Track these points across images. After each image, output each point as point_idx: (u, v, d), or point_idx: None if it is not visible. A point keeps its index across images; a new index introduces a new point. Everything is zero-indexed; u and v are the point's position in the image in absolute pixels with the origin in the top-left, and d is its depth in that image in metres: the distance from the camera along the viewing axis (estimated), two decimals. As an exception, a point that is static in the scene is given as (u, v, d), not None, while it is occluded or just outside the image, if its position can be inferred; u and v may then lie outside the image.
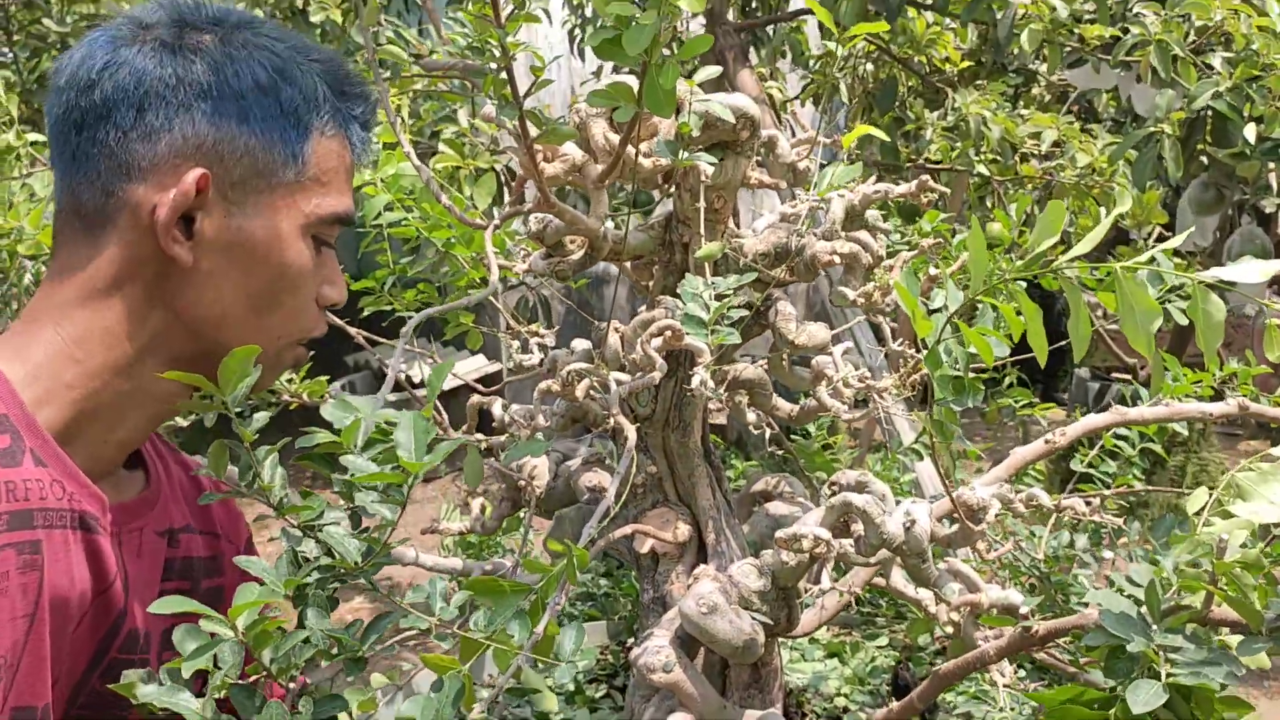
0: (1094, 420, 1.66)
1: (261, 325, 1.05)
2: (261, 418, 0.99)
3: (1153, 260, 0.97)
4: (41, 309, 1.00)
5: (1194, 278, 0.96)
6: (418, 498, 5.48)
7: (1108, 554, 1.97)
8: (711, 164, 1.47)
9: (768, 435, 2.11)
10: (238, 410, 0.97)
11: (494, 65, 1.30)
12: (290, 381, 1.89)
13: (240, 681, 0.89)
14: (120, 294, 0.98)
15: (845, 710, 1.84)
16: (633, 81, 1.40)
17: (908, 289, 1.09)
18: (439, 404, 1.56)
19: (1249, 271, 0.94)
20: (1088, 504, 1.38)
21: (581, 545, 1.17)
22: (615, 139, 1.49)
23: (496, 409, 1.81)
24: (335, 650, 0.95)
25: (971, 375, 1.63)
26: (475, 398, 1.82)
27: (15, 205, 1.63)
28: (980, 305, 1.19)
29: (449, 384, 2.39)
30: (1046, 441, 1.65)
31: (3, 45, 4.35)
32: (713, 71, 1.36)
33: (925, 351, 1.10)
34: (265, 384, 1.09)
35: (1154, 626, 0.95)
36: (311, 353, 1.20)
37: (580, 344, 1.79)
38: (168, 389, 1.01)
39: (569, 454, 1.84)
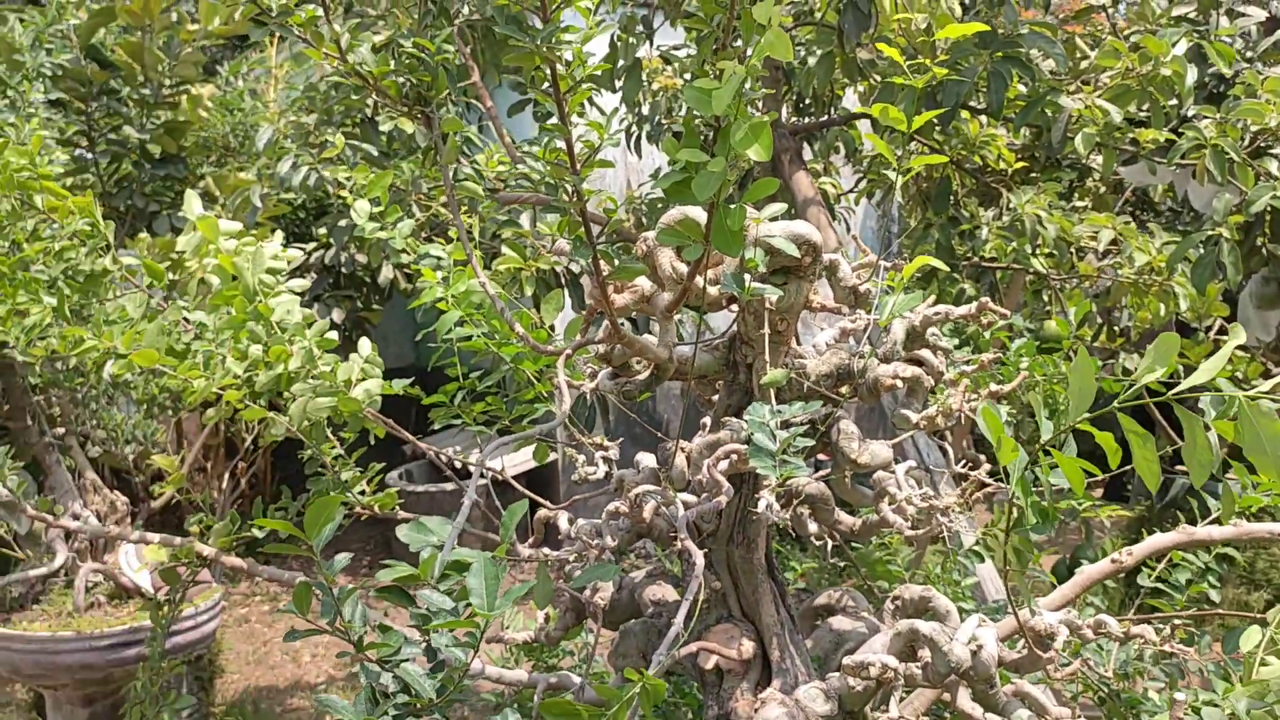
0: (1161, 540, 1.66)
1: None
2: (343, 559, 1.03)
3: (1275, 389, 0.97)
4: None
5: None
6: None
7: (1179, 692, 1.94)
8: (776, 293, 1.51)
9: (829, 546, 2.12)
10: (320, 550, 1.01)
11: (567, 205, 1.36)
12: (362, 493, 1.94)
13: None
14: None
15: (913, 834, 1.81)
16: (698, 214, 1.46)
17: (994, 416, 1.11)
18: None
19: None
20: (1158, 631, 1.38)
21: (652, 673, 1.20)
22: (682, 268, 1.54)
23: (563, 522, 1.84)
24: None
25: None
26: (543, 511, 1.86)
27: (111, 326, 1.72)
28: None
29: (507, 467, 2.43)
30: (1113, 561, 1.65)
31: (86, 150, 4.55)
32: (778, 209, 1.40)
33: (1012, 480, 1.12)
34: None
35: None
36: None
37: (645, 460, 1.83)
38: None
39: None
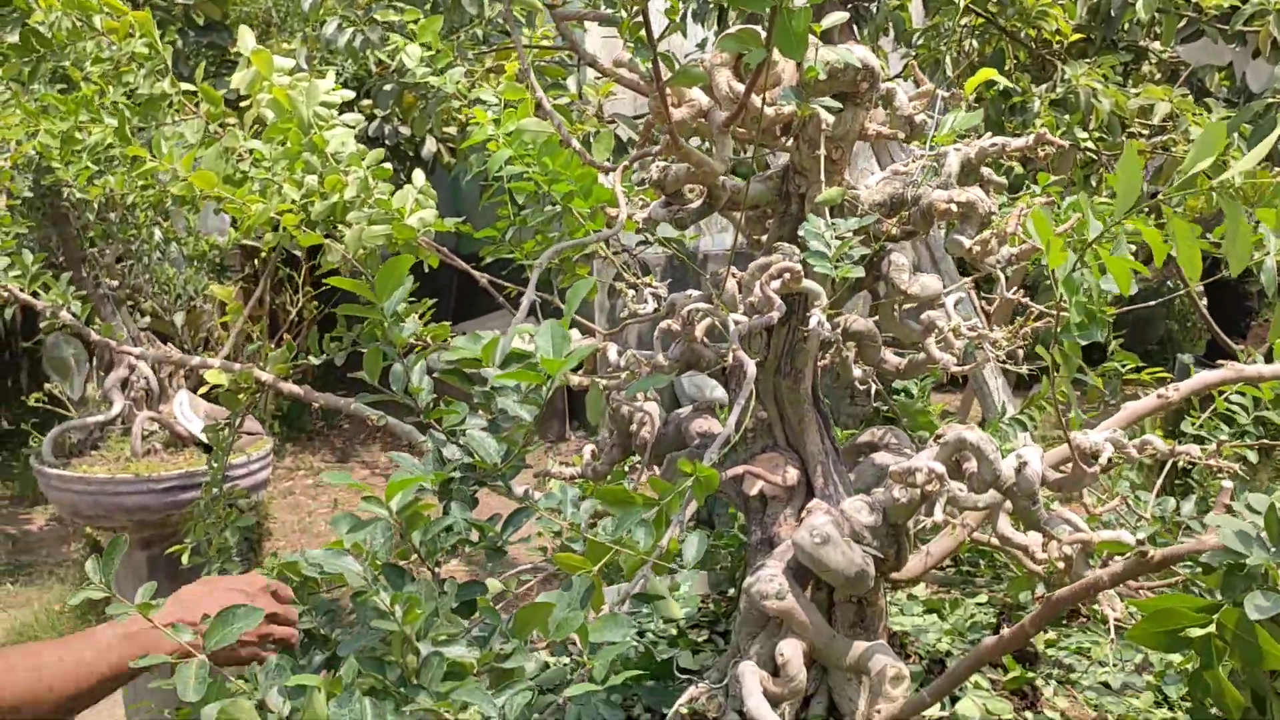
0: (1209, 376, 1.66)
1: None
2: (413, 323, 1.06)
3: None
4: None
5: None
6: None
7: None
8: (833, 111, 1.50)
9: (873, 391, 2.14)
10: (392, 315, 1.04)
11: (627, 11, 1.36)
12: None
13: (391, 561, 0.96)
14: None
15: (948, 654, 1.87)
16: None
17: (1044, 219, 1.12)
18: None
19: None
20: (1203, 448, 1.39)
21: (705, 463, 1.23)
22: (739, 87, 1.53)
23: (611, 353, 1.87)
24: (477, 539, 1.02)
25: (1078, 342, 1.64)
26: (590, 340, 1.89)
27: (170, 151, 1.74)
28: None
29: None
30: (1159, 396, 1.65)
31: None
32: (840, 17, 1.39)
33: (1059, 280, 1.12)
34: None
35: (1273, 547, 0.97)
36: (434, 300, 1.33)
37: (697, 292, 1.85)
38: None
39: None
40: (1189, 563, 1.24)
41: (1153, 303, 2.83)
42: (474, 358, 1.15)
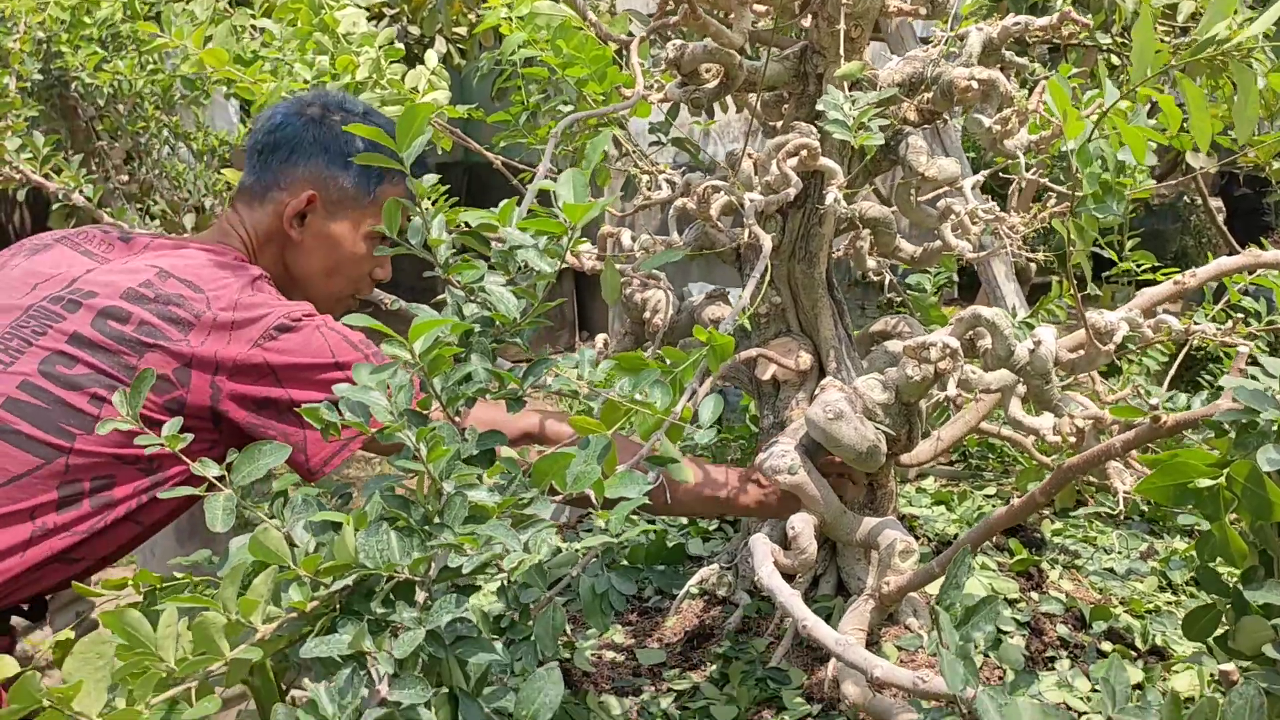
0: (1226, 263, 1.65)
1: (327, 285, 1.66)
2: (431, 178, 1.06)
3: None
4: (230, 229, 1.64)
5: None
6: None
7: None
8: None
9: (887, 281, 2.14)
10: (411, 164, 1.04)
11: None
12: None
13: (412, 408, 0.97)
14: (269, 241, 1.63)
15: (955, 536, 1.89)
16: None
17: (1061, 89, 1.10)
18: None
19: None
20: (1218, 327, 1.39)
21: (723, 330, 1.23)
22: (759, -42, 1.50)
23: (625, 238, 1.87)
24: (497, 388, 1.03)
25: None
26: (606, 227, 1.88)
27: (179, 28, 1.72)
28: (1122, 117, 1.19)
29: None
30: (1175, 283, 1.65)
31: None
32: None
33: (1074, 151, 1.12)
34: (330, 312, 1.63)
35: (1287, 406, 0.97)
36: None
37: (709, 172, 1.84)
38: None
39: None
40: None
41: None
42: (491, 222, 1.15)
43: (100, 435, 1.32)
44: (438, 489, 0.92)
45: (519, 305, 1.06)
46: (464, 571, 0.87)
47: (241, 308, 1.45)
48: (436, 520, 0.91)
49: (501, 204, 1.15)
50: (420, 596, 0.90)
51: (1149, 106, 1.93)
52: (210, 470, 1.00)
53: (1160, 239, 6.94)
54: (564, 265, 1.64)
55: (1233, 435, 0.99)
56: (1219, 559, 1.00)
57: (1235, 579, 1.04)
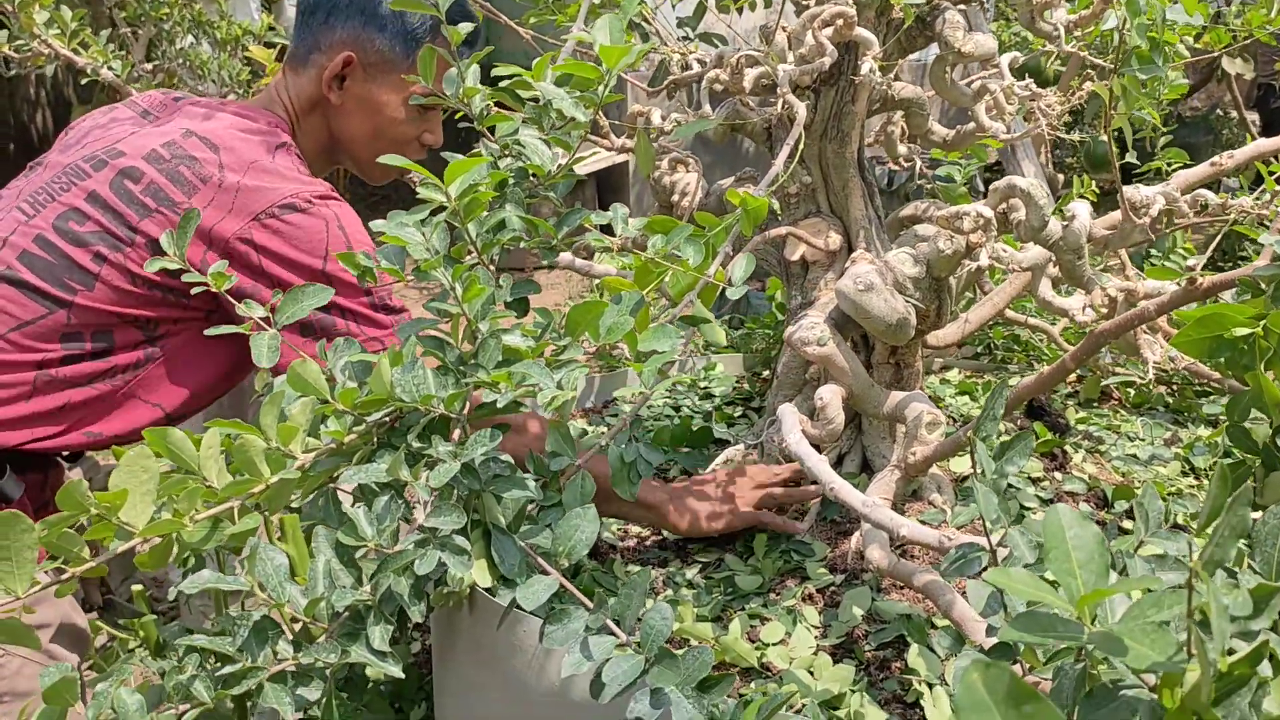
0: (1265, 145, 1.62)
1: (371, 149, 1.68)
2: (467, 25, 1.04)
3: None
4: (275, 95, 1.68)
5: None
6: (543, 280, 5.63)
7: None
8: None
9: (918, 168, 2.11)
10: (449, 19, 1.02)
11: None
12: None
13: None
14: (313, 107, 1.66)
15: (981, 418, 1.90)
16: None
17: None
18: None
19: None
20: (1255, 200, 1.37)
21: (756, 193, 1.23)
22: None
23: (655, 117, 1.85)
24: (532, 235, 1.03)
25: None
26: (636, 106, 1.86)
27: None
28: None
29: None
30: (1213, 164, 1.62)
31: None
32: None
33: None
34: (373, 179, 1.76)
35: (1328, 260, 0.96)
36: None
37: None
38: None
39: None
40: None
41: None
42: (520, 78, 1.14)
43: (98, 293, 1.42)
44: (473, 331, 0.93)
45: (554, 157, 1.05)
46: (498, 406, 0.88)
47: (254, 172, 1.47)
48: (472, 361, 0.91)
49: (535, 60, 1.14)
50: (455, 434, 0.91)
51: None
52: (256, 311, 1.01)
53: (1192, 151, 6.82)
54: (590, 155, 1.64)
55: (1269, 291, 0.99)
56: (1252, 413, 1.00)
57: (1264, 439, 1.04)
